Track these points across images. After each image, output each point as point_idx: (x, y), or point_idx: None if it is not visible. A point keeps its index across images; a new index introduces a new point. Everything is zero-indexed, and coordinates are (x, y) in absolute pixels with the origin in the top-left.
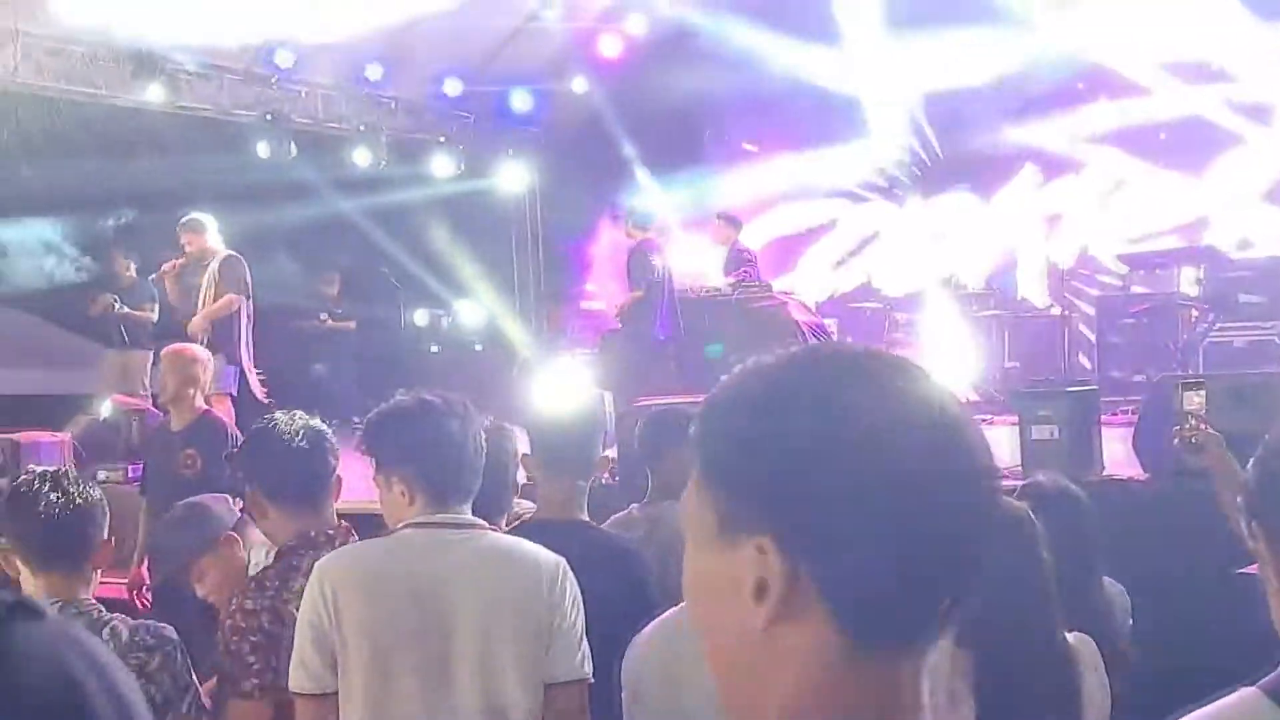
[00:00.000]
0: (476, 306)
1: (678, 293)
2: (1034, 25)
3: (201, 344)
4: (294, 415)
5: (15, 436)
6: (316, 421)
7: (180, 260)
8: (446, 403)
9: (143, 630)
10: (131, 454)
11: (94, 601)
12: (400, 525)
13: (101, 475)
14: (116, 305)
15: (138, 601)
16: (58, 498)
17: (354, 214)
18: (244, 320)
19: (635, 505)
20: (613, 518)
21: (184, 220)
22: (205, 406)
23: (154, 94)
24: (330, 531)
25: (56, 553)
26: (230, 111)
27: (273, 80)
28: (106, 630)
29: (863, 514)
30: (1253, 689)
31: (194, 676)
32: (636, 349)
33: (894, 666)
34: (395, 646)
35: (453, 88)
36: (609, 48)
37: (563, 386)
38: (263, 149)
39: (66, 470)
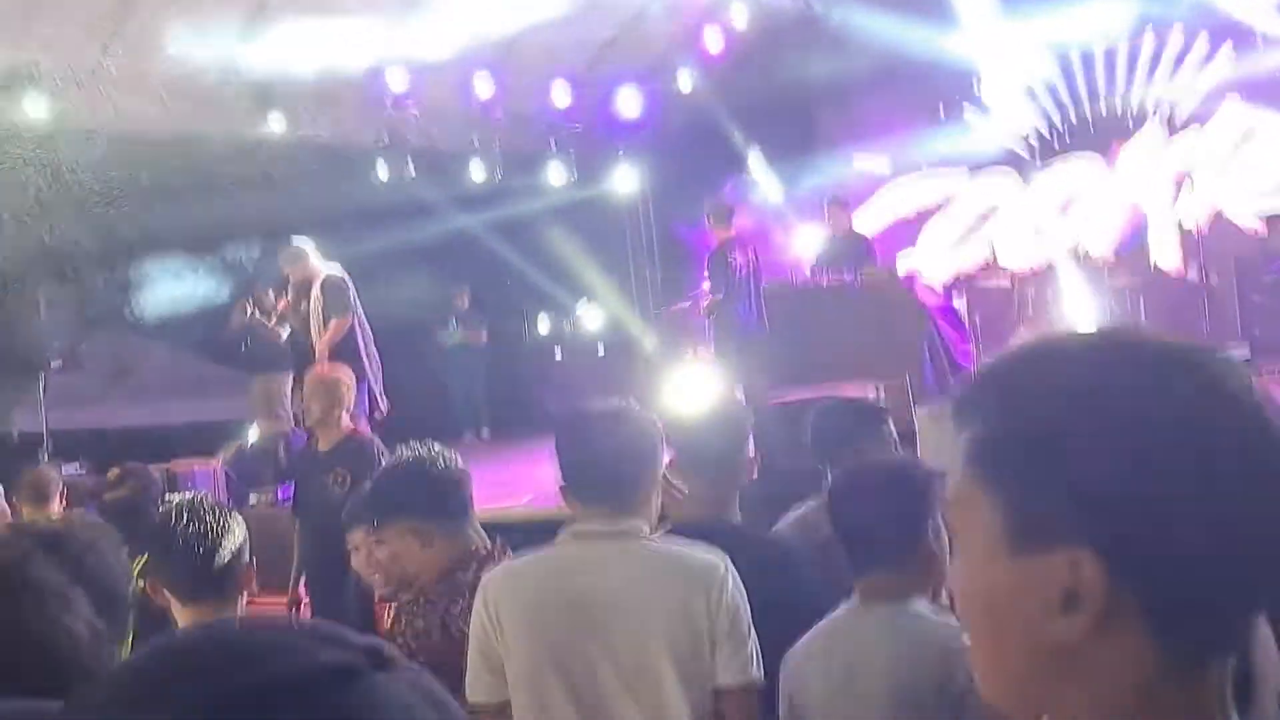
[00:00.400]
0: (598, 310)
1: (802, 284)
2: None
3: None
4: (426, 443)
5: (169, 466)
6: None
7: (289, 297)
8: (601, 409)
9: None
10: (280, 477)
11: None
12: (570, 530)
13: (252, 499)
14: (251, 313)
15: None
16: (195, 527)
17: (474, 229)
18: (360, 337)
19: (810, 505)
20: (790, 517)
21: (282, 252)
22: (351, 426)
23: (275, 125)
24: (487, 547)
25: (199, 583)
26: (348, 137)
27: (387, 103)
28: None
29: (1199, 522)
30: None
31: None
32: (734, 348)
33: (1205, 678)
34: (550, 662)
35: (560, 97)
36: (712, 42)
37: (695, 385)
38: (382, 172)
39: (204, 499)
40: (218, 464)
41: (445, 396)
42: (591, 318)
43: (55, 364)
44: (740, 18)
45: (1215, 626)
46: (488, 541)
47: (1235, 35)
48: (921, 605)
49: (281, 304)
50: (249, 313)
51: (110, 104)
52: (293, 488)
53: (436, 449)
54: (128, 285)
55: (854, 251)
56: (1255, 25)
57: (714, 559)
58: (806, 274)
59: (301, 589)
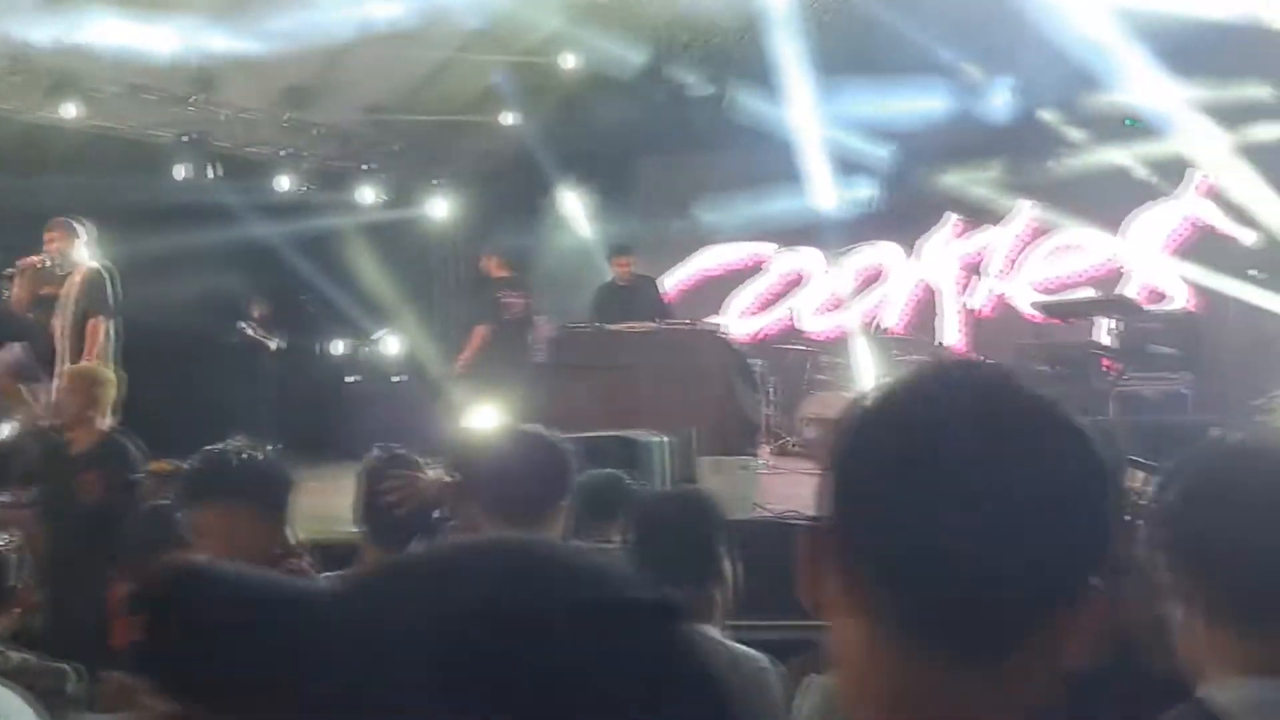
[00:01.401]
0: (397, 337)
1: (605, 327)
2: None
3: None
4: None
5: None
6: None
7: (41, 257)
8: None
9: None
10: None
11: None
12: None
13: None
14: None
15: None
16: None
17: (275, 240)
18: (110, 339)
19: None
20: None
21: (56, 219)
22: (107, 428)
23: (68, 112)
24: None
25: None
26: (148, 131)
27: (192, 101)
28: None
29: None
30: None
31: None
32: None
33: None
34: None
35: (379, 116)
36: (542, 81)
37: (498, 419)
38: (180, 170)
39: None
40: None
41: (230, 405)
42: (390, 344)
43: None
44: (568, 61)
45: None
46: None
47: (1040, 138)
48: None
49: (31, 260)
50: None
51: None
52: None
53: (262, 446)
54: None
55: (643, 298)
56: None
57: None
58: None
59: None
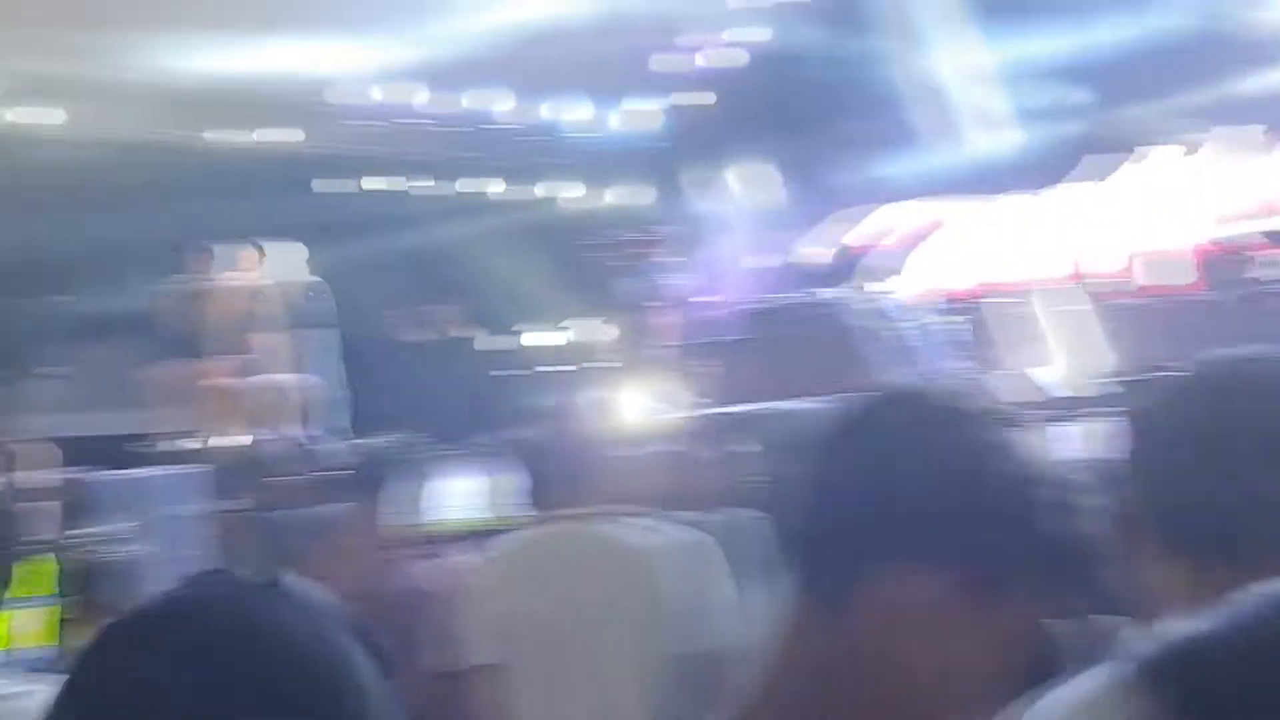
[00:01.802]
0: (593, 323)
1: (783, 300)
2: None
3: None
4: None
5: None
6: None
7: (236, 273)
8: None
9: None
10: None
11: None
12: (550, 516)
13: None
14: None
15: None
16: None
17: (476, 241)
18: (330, 352)
19: None
20: None
21: (250, 241)
22: (299, 434)
23: (276, 135)
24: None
25: None
26: (350, 147)
27: (389, 115)
28: None
29: None
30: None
31: None
32: None
33: None
34: (536, 630)
35: (570, 110)
36: (729, 59)
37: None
38: (379, 182)
39: None
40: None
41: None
42: (585, 331)
43: (41, 371)
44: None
45: None
46: None
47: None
48: None
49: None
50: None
51: (108, 113)
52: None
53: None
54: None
55: (839, 269)
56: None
57: (699, 536)
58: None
59: None
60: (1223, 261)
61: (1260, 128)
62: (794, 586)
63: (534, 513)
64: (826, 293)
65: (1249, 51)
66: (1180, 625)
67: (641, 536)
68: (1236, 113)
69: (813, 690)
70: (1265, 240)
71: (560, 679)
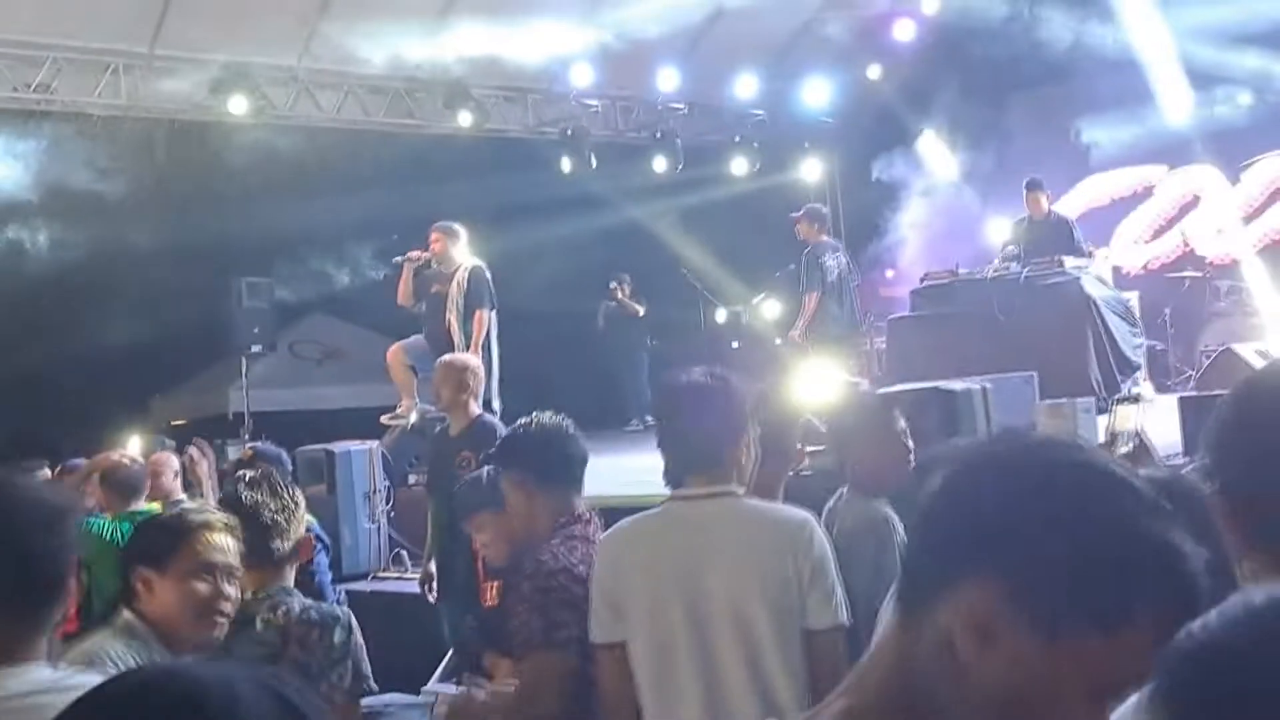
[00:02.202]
0: (776, 301)
1: (970, 273)
2: None
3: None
4: (550, 414)
5: (331, 446)
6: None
7: (425, 254)
8: (704, 379)
9: (313, 609)
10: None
11: (284, 588)
12: (669, 497)
13: (411, 479)
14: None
15: (427, 594)
16: (248, 500)
17: (654, 219)
18: (492, 331)
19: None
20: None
21: (438, 223)
22: (479, 411)
23: (464, 120)
24: (588, 512)
25: (251, 551)
26: (535, 130)
27: (571, 97)
28: (282, 610)
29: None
30: None
31: (353, 657)
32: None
33: None
34: (663, 607)
35: (745, 87)
36: (902, 32)
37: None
38: (565, 164)
39: (256, 476)
40: (375, 444)
41: (613, 385)
42: (769, 308)
43: (255, 349)
44: (931, 6)
45: None
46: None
47: None
48: None
49: (416, 254)
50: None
51: (310, 101)
52: (426, 470)
53: (561, 421)
54: (324, 273)
55: (1055, 234)
56: None
57: (803, 515)
58: (996, 263)
59: (432, 565)
60: None
61: None
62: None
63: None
64: (1036, 265)
65: None
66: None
67: (778, 510)
68: None
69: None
70: None
71: (682, 656)
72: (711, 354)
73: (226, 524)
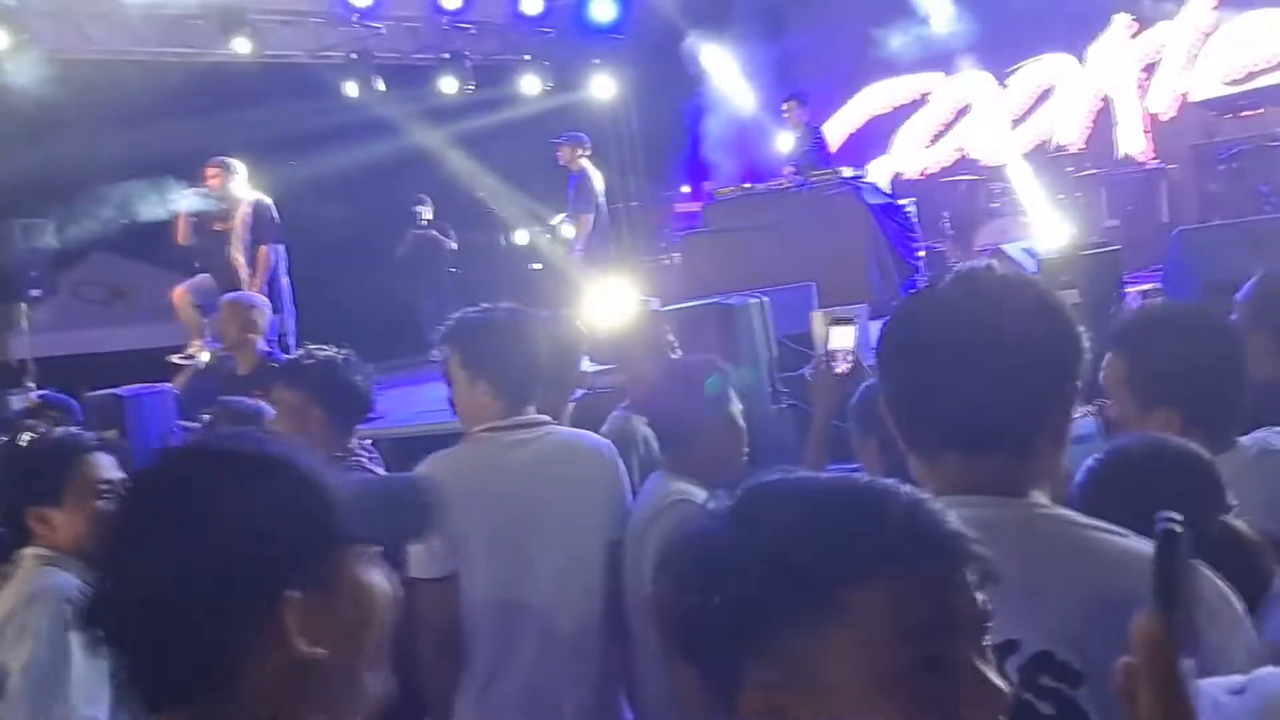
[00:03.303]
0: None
1: (756, 187)
2: None
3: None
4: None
5: (119, 390)
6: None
7: (200, 189)
8: (526, 314)
9: None
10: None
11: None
12: (479, 429)
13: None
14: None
15: None
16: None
17: (447, 143)
18: (281, 267)
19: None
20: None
21: (214, 159)
22: (267, 349)
23: (240, 47)
24: (364, 444)
25: None
26: (317, 55)
27: (354, 19)
28: None
29: None
30: None
31: None
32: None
33: None
34: (495, 531)
35: (531, 5)
36: None
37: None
38: (351, 88)
39: (41, 427)
40: (167, 387)
41: (413, 314)
42: (569, 229)
43: (35, 293)
44: None
45: None
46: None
47: None
48: None
49: (221, 226)
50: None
51: (78, 32)
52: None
53: (346, 355)
54: (105, 211)
55: (807, 145)
56: None
57: (607, 442)
58: (784, 176)
59: None
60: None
61: None
62: None
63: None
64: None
65: None
66: None
67: (589, 439)
68: None
69: None
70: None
71: (518, 571)
72: (513, 277)
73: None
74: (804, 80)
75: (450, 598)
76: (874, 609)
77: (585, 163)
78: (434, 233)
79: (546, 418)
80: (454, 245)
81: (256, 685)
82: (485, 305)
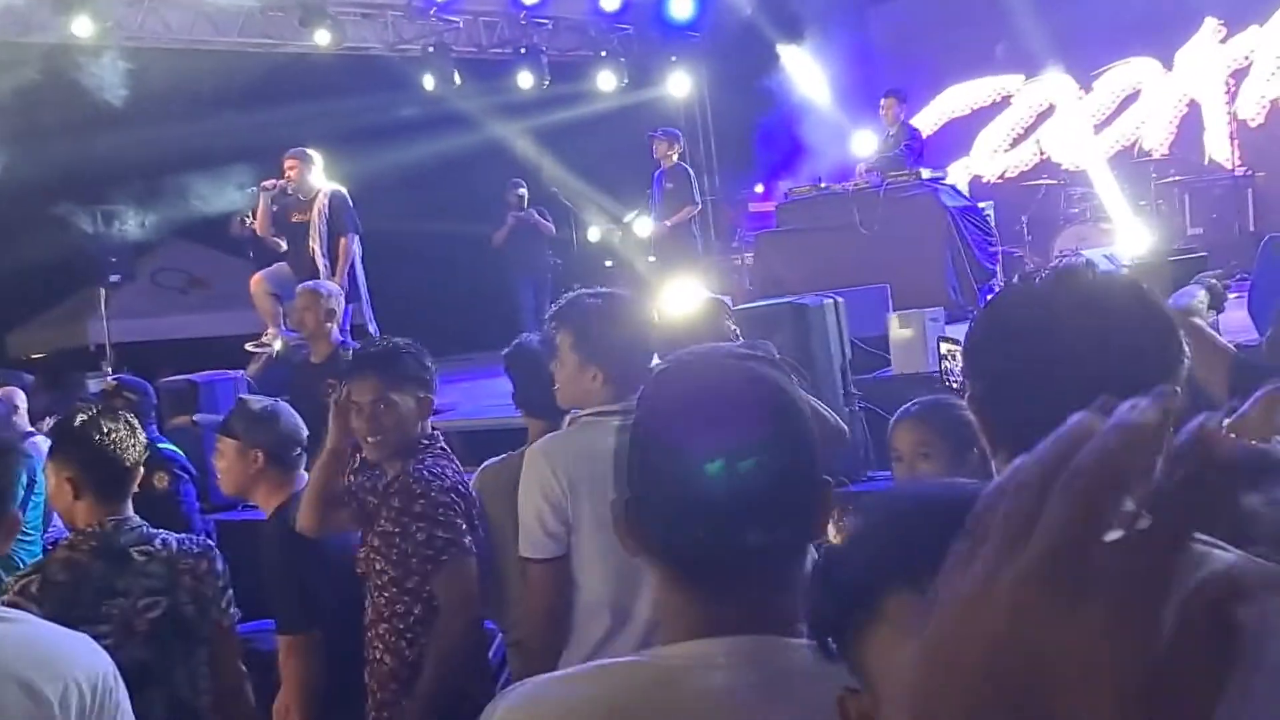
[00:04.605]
0: (648, 219)
1: (832, 187)
2: None
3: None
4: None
5: (193, 376)
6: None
7: (280, 182)
8: (638, 304)
9: (185, 539)
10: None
11: (137, 519)
12: (586, 413)
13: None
14: (247, 220)
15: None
16: (103, 434)
17: (522, 137)
18: (357, 257)
19: None
20: None
21: (293, 150)
22: (341, 339)
23: (321, 39)
24: (438, 436)
25: (101, 482)
26: (395, 48)
27: (432, 13)
28: (158, 541)
29: None
30: None
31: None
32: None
33: None
34: (606, 515)
35: (610, 2)
36: None
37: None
38: (428, 81)
39: (112, 410)
40: (240, 374)
41: (514, 304)
42: (642, 226)
43: (114, 278)
44: None
45: None
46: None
47: None
48: None
49: (270, 182)
50: (246, 223)
51: (160, 22)
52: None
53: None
54: (184, 200)
55: (902, 142)
56: None
57: None
58: (860, 175)
59: None
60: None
61: None
62: None
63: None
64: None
65: None
66: None
67: None
68: None
69: None
70: None
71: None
72: (587, 272)
73: None
74: (886, 81)
75: (559, 579)
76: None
77: (677, 158)
78: (535, 215)
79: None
80: (553, 230)
81: None
82: (600, 288)
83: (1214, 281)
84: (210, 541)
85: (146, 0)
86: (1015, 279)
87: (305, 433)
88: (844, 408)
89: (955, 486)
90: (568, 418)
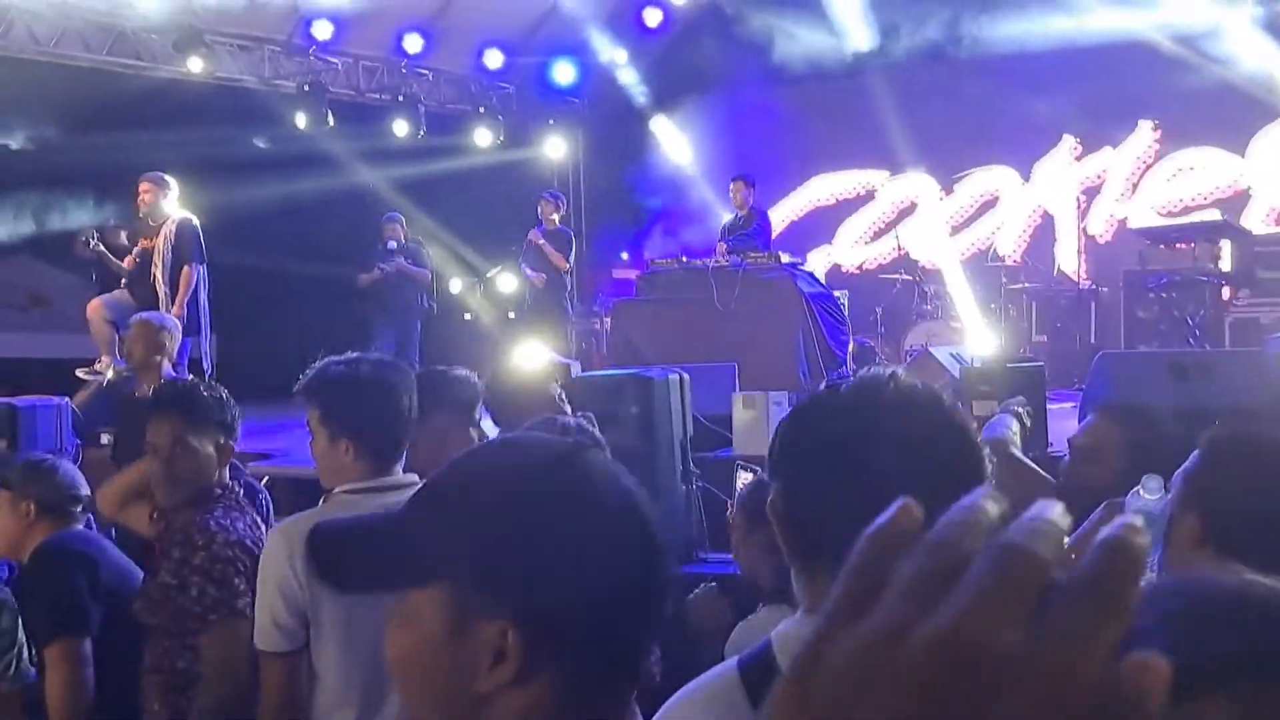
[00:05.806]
0: (512, 276)
1: (693, 262)
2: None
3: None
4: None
5: (14, 400)
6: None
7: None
8: (395, 368)
9: None
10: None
11: None
12: (340, 490)
13: (104, 439)
14: (91, 241)
15: None
16: None
17: (392, 184)
18: (202, 289)
19: None
20: None
21: (148, 174)
22: (173, 374)
23: (194, 65)
24: (234, 487)
25: None
26: (270, 82)
27: (311, 52)
28: None
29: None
30: (732, 666)
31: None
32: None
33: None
34: (349, 604)
35: (493, 59)
36: (652, 18)
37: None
38: (300, 119)
39: None
40: (64, 401)
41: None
42: (505, 282)
43: None
44: None
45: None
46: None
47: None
48: None
49: (140, 244)
50: (90, 244)
51: (26, 32)
52: (114, 435)
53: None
54: (33, 216)
55: (753, 224)
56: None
57: None
58: (721, 254)
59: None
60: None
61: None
62: None
63: None
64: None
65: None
66: None
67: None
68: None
69: None
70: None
71: (371, 651)
72: (443, 324)
73: None
74: (753, 162)
75: (293, 673)
76: None
77: (560, 221)
78: (403, 263)
79: (414, 477)
80: (428, 275)
81: None
82: (351, 356)
83: (1019, 410)
84: (3, 593)
85: (13, 10)
86: (822, 387)
87: (85, 490)
88: (680, 485)
89: None
90: (323, 497)
